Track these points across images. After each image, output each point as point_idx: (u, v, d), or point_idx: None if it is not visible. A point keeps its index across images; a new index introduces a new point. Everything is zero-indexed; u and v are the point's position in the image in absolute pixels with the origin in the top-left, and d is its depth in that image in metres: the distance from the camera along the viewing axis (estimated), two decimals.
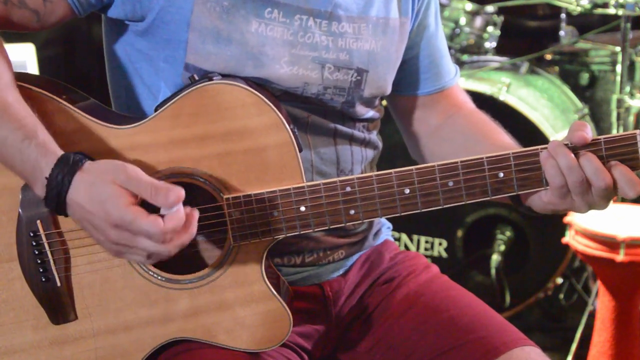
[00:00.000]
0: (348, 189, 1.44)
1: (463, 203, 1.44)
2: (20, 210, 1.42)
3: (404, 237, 3.54)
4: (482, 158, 1.42)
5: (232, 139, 1.44)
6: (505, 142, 1.63)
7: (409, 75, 1.74)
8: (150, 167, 1.43)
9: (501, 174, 1.43)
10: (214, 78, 1.43)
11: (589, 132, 1.40)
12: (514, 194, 1.45)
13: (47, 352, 1.46)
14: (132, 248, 1.32)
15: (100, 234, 1.33)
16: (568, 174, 1.39)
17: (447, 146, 1.75)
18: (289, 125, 1.44)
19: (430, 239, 3.53)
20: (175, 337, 1.48)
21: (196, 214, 1.34)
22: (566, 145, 1.40)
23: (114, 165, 1.33)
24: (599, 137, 1.40)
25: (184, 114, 1.43)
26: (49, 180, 1.32)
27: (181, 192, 1.30)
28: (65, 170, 1.32)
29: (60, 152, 1.34)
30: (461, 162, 1.43)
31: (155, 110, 1.45)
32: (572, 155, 1.39)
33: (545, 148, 1.42)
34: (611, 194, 1.41)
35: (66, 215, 1.35)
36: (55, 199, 1.32)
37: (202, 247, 1.47)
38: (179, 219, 1.30)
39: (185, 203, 1.41)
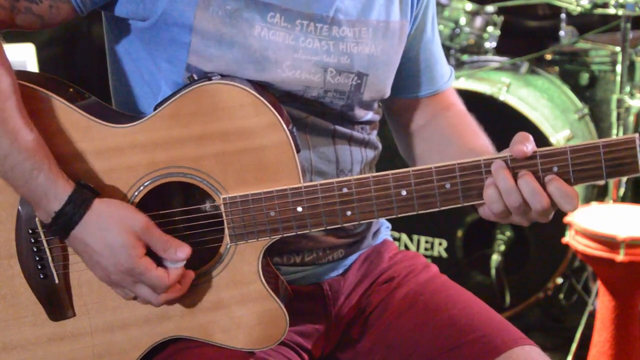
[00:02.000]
0: (345, 190, 1.44)
1: (460, 205, 1.44)
2: (19, 207, 1.42)
3: (404, 237, 3.54)
4: (479, 160, 1.43)
5: (230, 139, 1.44)
6: (477, 146, 1.64)
7: (403, 78, 1.75)
8: (148, 166, 1.43)
9: None
10: (213, 78, 1.44)
11: (529, 145, 1.40)
12: None
13: (45, 349, 1.46)
14: (126, 289, 1.41)
15: (100, 270, 1.40)
16: (506, 197, 1.40)
17: (423, 146, 1.77)
18: (288, 126, 1.44)
19: (430, 239, 3.53)
20: (172, 336, 1.48)
21: (192, 275, 1.44)
22: (506, 159, 1.41)
23: (130, 214, 1.39)
24: (536, 149, 1.41)
25: (182, 114, 1.43)
26: (58, 214, 1.36)
27: (189, 251, 1.41)
28: (75, 208, 1.37)
29: (71, 187, 1.37)
30: (458, 164, 1.42)
31: (155, 109, 1.45)
32: (512, 180, 1.40)
33: (544, 152, 1.41)
34: (549, 211, 1.42)
35: (64, 239, 1.41)
36: (60, 231, 1.38)
37: (199, 247, 1.46)
38: (179, 275, 1.41)
39: (183, 202, 1.42)
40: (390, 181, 1.43)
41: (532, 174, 1.40)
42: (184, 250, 1.40)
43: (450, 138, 1.71)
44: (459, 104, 1.82)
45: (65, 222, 1.36)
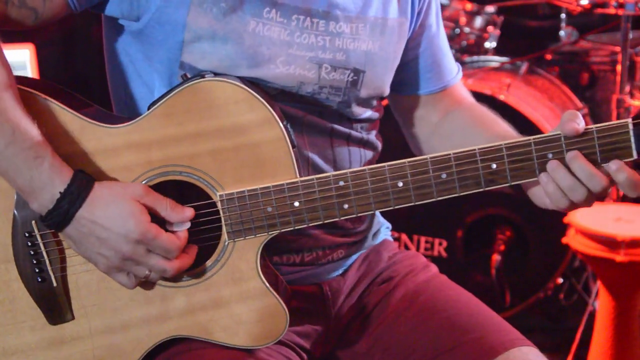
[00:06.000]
0: (341, 183, 1.44)
1: (457, 195, 1.45)
2: (15, 211, 1.42)
3: (404, 237, 3.54)
4: (474, 150, 1.43)
5: (225, 135, 1.44)
6: (502, 132, 1.64)
7: (411, 75, 1.75)
8: (144, 166, 1.44)
9: (494, 165, 1.44)
10: (206, 76, 1.44)
11: (580, 122, 1.41)
12: (507, 185, 1.45)
13: (44, 353, 1.46)
14: (140, 264, 1.40)
15: (109, 248, 1.38)
16: (570, 193, 1.42)
17: (446, 143, 1.75)
18: (282, 122, 1.44)
19: (430, 239, 3.53)
20: (172, 336, 1.48)
21: (195, 247, 1.45)
22: (558, 137, 1.41)
23: (128, 184, 1.42)
24: (591, 126, 1.41)
25: (176, 112, 1.43)
26: (63, 194, 1.36)
27: (192, 210, 1.43)
28: (80, 188, 1.37)
29: (72, 172, 1.38)
30: (454, 154, 1.43)
31: (149, 108, 1.45)
32: (571, 176, 1.41)
33: (538, 139, 1.42)
34: (608, 189, 1.43)
35: (60, 231, 1.39)
36: (63, 214, 1.36)
37: (197, 245, 1.46)
38: (186, 237, 1.43)
39: (179, 201, 1.41)
40: (386, 173, 1.44)
41: (582, 155, 1.41)
42: (187, 209, 1.42)
43: (474, 129, 1.70)
44: (470, 97, 1.82)
45: (71, 201, 1.36)
